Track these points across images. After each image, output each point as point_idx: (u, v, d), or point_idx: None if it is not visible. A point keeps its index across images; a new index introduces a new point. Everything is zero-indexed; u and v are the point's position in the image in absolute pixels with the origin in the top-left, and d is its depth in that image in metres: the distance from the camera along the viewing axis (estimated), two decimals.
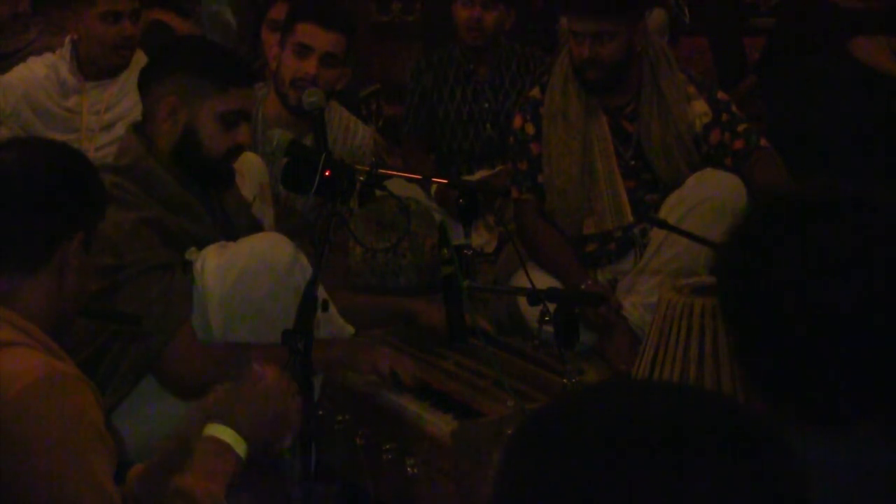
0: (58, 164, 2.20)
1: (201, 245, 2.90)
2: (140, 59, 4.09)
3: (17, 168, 2.18)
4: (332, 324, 2.95)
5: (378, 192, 3.16)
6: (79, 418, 1.98)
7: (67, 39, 4.17)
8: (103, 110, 4.13)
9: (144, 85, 3.00)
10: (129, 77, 4.06)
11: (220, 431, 2.06)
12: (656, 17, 5.36)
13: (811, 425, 1.47)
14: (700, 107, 3.87)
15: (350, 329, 3.02)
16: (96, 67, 4.14)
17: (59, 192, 2.17)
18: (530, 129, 3.95)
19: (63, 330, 2.19)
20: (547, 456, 1.05)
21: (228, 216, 3.07)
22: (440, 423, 2.67)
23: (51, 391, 1.97)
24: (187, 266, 2.87)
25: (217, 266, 2.84)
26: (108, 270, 2.77)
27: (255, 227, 3.19)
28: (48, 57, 4.21)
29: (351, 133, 4.07)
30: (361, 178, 2.84)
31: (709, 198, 3.73)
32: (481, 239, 4.35)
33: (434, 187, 4.36)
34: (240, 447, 2.06)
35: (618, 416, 1.06)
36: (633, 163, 3.88)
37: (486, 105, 4.65)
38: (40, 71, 4.16)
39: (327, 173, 2.77)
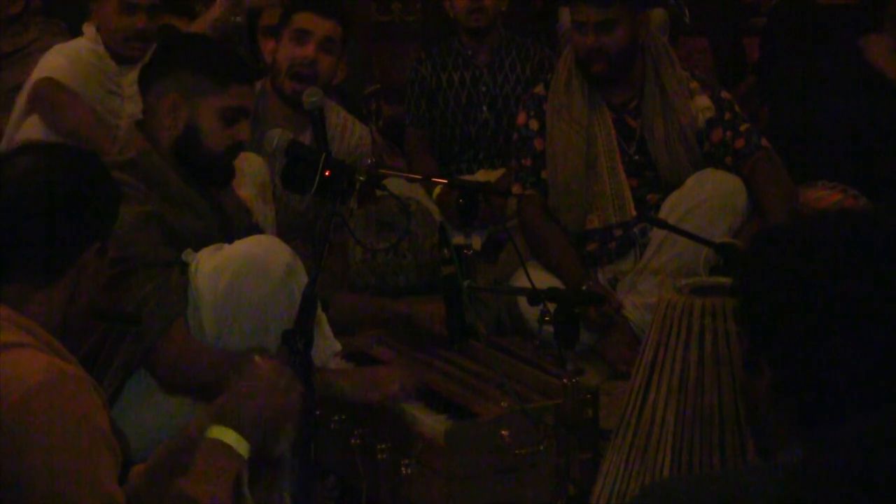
0: (78, 172, 2.16)
1: (202, 242, 2.88)
2: None
3: (38, 176, 2.13)
4: (322, 336, 2.93)
5: (378, 192, 3.16)
6: (83, 421, 1.97)
7: (94, 27, 4.17)
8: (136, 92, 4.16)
9: (145, 83, 3.01)
10: None
11: (222, 433, 2.05)
12: (656, 16, 5.35)
13: (809, 426, 1.49)
14: (703, 101, 3.88)
15: (337, 345, 2.99)
16: (116, 55, 4.16)
17: (80, 202, 2.13)
18: (534, 125, 3.97)
19: (70, 331, 2.18)
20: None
21: (227, 216, 3.06)
22: (434, 424, 2.67)
23: (55, 393, 1.96)
24: (183, 267, 2.85)
25: (210, 269, 2.81)
26: (110, 263, 2.76)
27: (254, 230, 3.18)
28: (78, 40, 4.21)
29: (348, 132, 4.06)
30: (361, 178, 2.84)
31: (709, 198, 3.74)
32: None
33: (435, 191, 4.36)
34: (242, 447, 2.05)
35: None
36: (636, 157, 3.89)
37: (484, 89, 4.69)
38: (79, 43, 4.17)
39: (327, 173, 2.77)
